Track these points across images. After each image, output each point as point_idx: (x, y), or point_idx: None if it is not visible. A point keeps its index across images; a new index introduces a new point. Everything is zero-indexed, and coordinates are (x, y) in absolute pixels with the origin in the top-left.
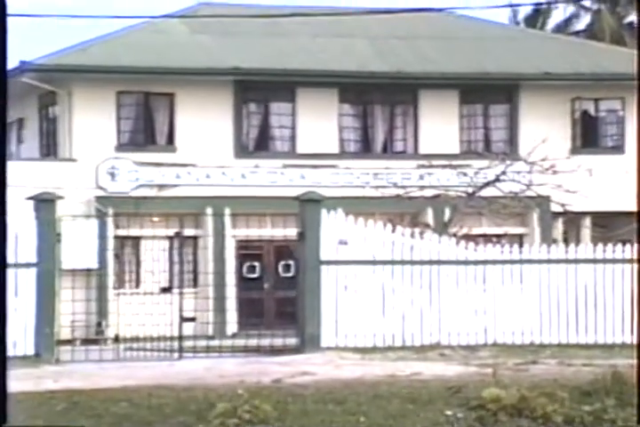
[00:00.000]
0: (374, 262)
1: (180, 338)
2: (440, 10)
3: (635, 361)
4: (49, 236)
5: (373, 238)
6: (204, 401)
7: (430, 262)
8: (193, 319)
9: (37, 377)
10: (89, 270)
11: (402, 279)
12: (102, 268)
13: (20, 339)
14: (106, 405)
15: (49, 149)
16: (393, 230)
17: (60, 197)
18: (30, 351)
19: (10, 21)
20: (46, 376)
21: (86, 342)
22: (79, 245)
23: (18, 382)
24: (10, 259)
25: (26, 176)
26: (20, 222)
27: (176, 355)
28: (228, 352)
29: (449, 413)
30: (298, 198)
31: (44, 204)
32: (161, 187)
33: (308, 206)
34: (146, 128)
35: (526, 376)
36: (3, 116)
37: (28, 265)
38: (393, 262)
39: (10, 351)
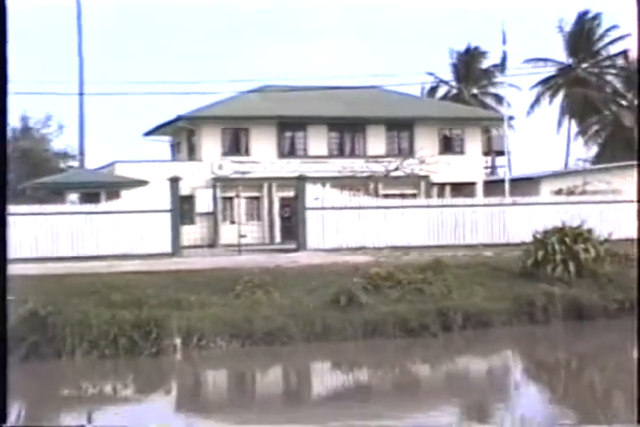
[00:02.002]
0: (333, 208)
1: (239, 245)
2: (374, 87)
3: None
4: (175, 197)
5: (333, 197)
6: (238, 275)
7: (360, 208)
8: (244, 236)
9: (166, 263)
10: (208, 213)
11: (347, 216)
12: (214, 212)
13: (164, 245)
14: (191, 276)
15: (191, 156)
16: (342, 193)
17: (180, 178)
18: (168, 251)
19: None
20: (171, 263)
21: (203, 247)
22: (204, 201)
23: (155, 265)
24: (164, 207)
25: (181, 169)
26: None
27: (236, 252)
28: (263, 251)
29: (355, 280)
30: (297, 178)
31: (174, 182)
32: (243, 173)
33: (300, 181)
34: (236, 145)
35: (397, 262)
36: (3, 117)
37: (165, 211)
38: (341, 208)
39: (157, 249)
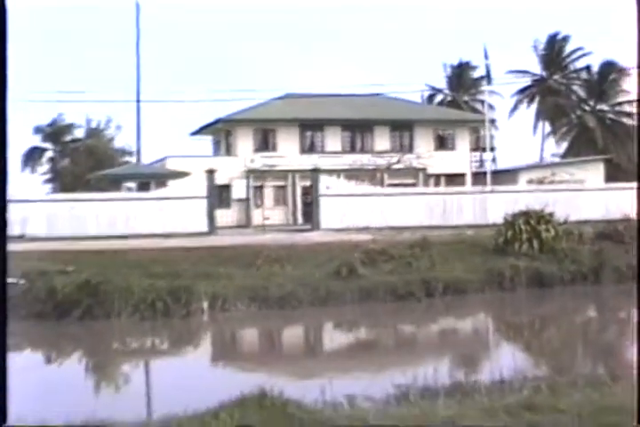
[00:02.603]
0: (341, 195)
1: (264, 226)
2: (379, 94)
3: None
4: (210, 186)
5: (341, 185)
6: (260, 251)
7: (364, 195)
8: (267, 218)
9: (201, 241)
10: (241, 199)
11: (353, 201)
12: (247, 198)
13: (202, 225)
14: (221, 252)
15: (228, 151)
16: (351, 183)
17: (215, 171)
18: (205, 230)
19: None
20: (206, 240)
21: (238, 227)
22: (239, 189)
23: (192, 242)
24: (202, 194)
25: (220, 163)
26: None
27: (262, 232)
28: (285, 231)
29: (355, 255)
30: (312, 169)
31: (210, 173)
32: (271, 166)
33: (314, 173)
34: (265, 143)
35: (392, 240)
36: (3, 116)
37: (201, 197)
38: (348, 195)
39: (196, 229)
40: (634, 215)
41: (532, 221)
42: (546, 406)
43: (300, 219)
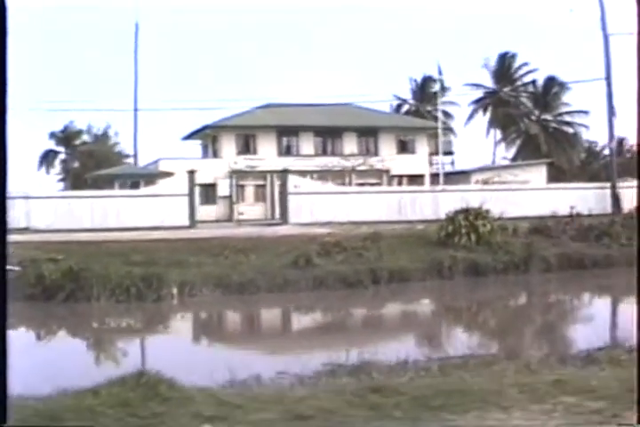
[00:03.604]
0: (309, 193)
1: (240, 220)
2: (347, 104)
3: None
4: (191, 185)
5: (308, 185)
6: (229, 242)
7: (329, 193)
8: (242, 213)
9: (182, 234)
10: (225, 197)
11: (318, 199)
12: (231, 196)
13: (184, 220)
14: (196, 243)
15: (214, 154)
16: (323, 183)
17: (195, 171)
18: (187, 224)
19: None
20: (186, 233)
21: (222, 221)
22: (223, 187)
23: (173, 235)
24: (185, 192)
25: (207, 164)
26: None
27: (238, 226)
28: (258, 225)
29: (313, 247)
30: (282, 171)
31: (191, 173)
32: (252, 167)
33: (284, 174)
34: (247, 147)
35: (349, 234)
36: (3, 116)
37: (184, 195)
38: (314, 193)
39: (179, 223)
40: (562, 212)
41: (471, 217)
42: (393, 387)
43: (277, 214)
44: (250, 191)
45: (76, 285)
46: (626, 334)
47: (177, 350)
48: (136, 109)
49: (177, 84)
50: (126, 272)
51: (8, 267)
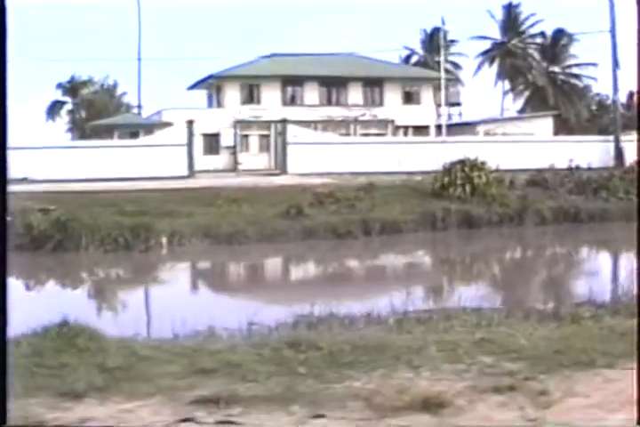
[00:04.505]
0: (309, 143)
1: (239, 170)
2: (351, 54)
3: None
4: (190, 135)
5: (308, 135)
6: (223, 192)
7: (328, 143)
8: (240, 164)
9: (178, 184)
10: (230, 147)
11: (318, 149)
12: (234, 146)
13: (183, 170)
14: (190, 193)
15: (219, 104)
16: (326, 133)
17: (194, 121)
18: (185, 174)
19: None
20: (183, 183)
21: (226, 171)
22: (227, 138)
23: (169, 185)
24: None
25: (211, 114)
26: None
27: (237, 176)
28: (257, 175)
29: (306, 197)
30: (281, 121)
31: (189, 123)
32: (256, 117)
33: (282, 123)
34: (251, 96)
35: (345, 184)
36: (3, 114)
37: (181, 145)
38: (313, 143)
39: (177, 173)
40: (563, 165)
41: (467, 169)
42: (313, 342)
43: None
44: (254, 141)
45: (64, 235)
46: (615, 289)
47: (156, 300)
48: (139, 59)
49: (183, 35)
50: (115, 222)
51: None
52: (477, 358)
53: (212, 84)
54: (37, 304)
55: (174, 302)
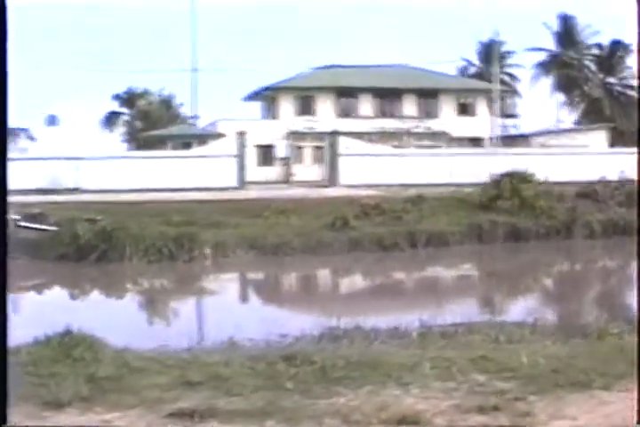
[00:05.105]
0: (360, 155)
1: (291, 181)
2: (405, 66)
3: None
4: (241, 146)
5: (359, 147)
6: (273, 203)
7: (381, 155)
8: (293, 175)
9: (228, 195)
10: (283, 158)
11: (369, 161)
12: (288, 157)
13: (233, 181)
14: (238, 204)
15: (273, 115)
16: (380, 145)
17: (245, 132)
18: (235, 185)
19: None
20: (232, 194)
21: (279, 182)
22: (281, 149)
23: (218, 196)
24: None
25: (265, 125)
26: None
27: (288, 187)
28: (309, 187)
29: (353, 209)
30: (332, 132)
31: (240, 135)
32: (310, 128)
33: (334, 135)
34: (305, 108)
35: (393, 196)
36: (3, 115)
37: (233, 156)
38: (364, 155)
39: (227, 184)
40: (614, 178)
41: (514, 181)
42: (308, 356)
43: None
44: (308, 153)
45: (109, 245)
46: None
47: (195, 311)
48: (195, 70)
49: (237, 46)
50: (160, 232)
51: (45, 226)
52: (470, 376)
53: (267, 96)
54: (81, 314)
55: (214, 312)
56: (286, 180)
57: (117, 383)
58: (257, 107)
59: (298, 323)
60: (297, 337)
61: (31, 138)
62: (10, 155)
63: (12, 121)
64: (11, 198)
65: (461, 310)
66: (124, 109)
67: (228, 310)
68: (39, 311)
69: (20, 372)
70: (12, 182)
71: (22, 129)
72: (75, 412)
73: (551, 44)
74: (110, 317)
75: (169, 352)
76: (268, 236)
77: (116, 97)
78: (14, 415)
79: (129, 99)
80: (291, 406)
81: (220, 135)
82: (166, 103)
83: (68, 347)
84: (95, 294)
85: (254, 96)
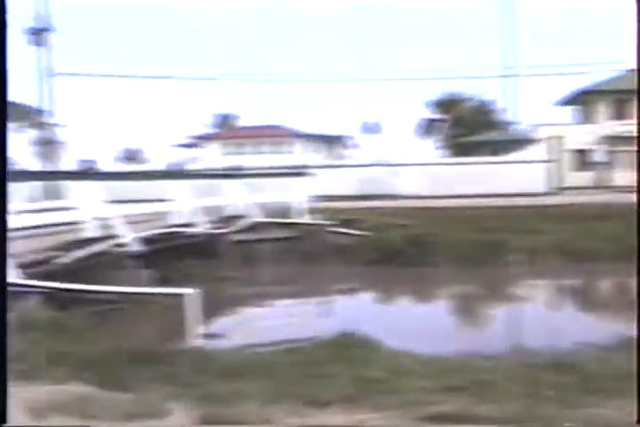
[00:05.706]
0: None
1: (605, 187)
2: None
3: None
4: (552, 151)
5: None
6: (585, 209)
7: None
8: (604, 180)
9: (533, 201)
10: (598, 163)
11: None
12: (602, 162)
13: (539, 186)
14: (547, 210)
15: (587, 120)
16: None
17: (562, 137)
18: (547, 191)
19: None
20: (538, 200)
21: (594, 188)
22: (597, 154)
23: (518, 202)
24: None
25: (580, 130)
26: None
27: (604, 193)
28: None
29: None
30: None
31: (551, 140)
32: (625, 132)
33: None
34: (620, 112)
35: None
36: (3, 113)
37: (545, 161)
38: None
39: (536, 190)
40: None
41: None
42: (583, 365)
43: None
44: (622, 158)
45: (417, 250)
46: None
47: (501, 317)
48: (516, 75)
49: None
50: (470, 238)
51: (358, 232)
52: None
53: (582, 100)
54: (387, 319)
55: (518, 319)
56: (601, 185)
57: (384, 385)
58: (567, 110)
59: (599, 331)
60: (592, 345)
61: (354, 145)
62: (333, 162)
63: (335, 129)
64: (330, 204)
65: None
66: (439, 115)
67: (533, 317)
68: (343, 314)
69: (294, 370)
70: (335, 189)
71: (347, 137)
72: (334, 411)
73: None
74: (415, 320)
75: (445, 357)
76: (579, 242)
77: (434, 103)
78: (277, 412)
79: (444, 105)
80: (547, 415)
81: (536, 141)
82: (483, 109)
83: (343, 348)
84: (403, 299)
85: (569, 100)
